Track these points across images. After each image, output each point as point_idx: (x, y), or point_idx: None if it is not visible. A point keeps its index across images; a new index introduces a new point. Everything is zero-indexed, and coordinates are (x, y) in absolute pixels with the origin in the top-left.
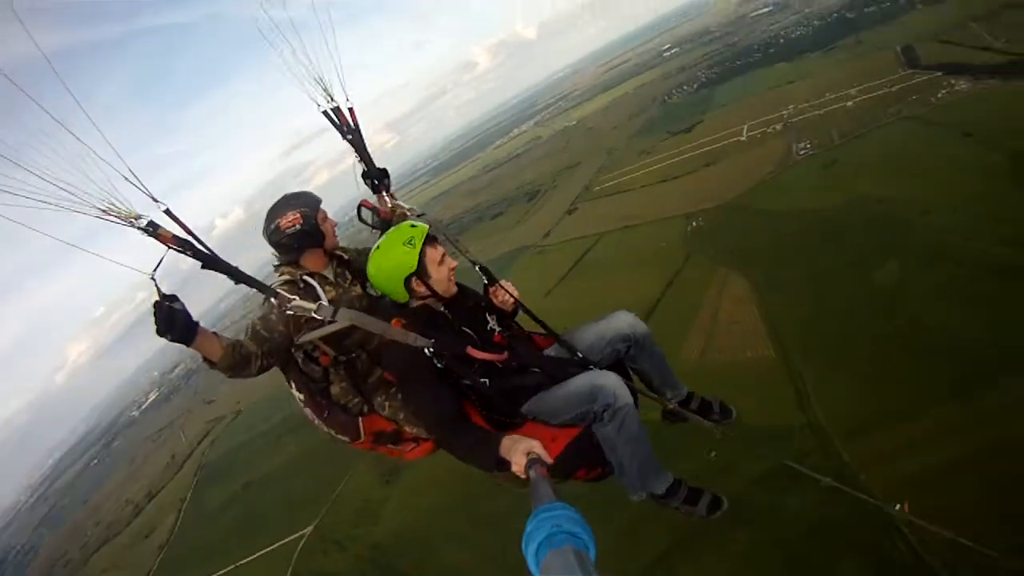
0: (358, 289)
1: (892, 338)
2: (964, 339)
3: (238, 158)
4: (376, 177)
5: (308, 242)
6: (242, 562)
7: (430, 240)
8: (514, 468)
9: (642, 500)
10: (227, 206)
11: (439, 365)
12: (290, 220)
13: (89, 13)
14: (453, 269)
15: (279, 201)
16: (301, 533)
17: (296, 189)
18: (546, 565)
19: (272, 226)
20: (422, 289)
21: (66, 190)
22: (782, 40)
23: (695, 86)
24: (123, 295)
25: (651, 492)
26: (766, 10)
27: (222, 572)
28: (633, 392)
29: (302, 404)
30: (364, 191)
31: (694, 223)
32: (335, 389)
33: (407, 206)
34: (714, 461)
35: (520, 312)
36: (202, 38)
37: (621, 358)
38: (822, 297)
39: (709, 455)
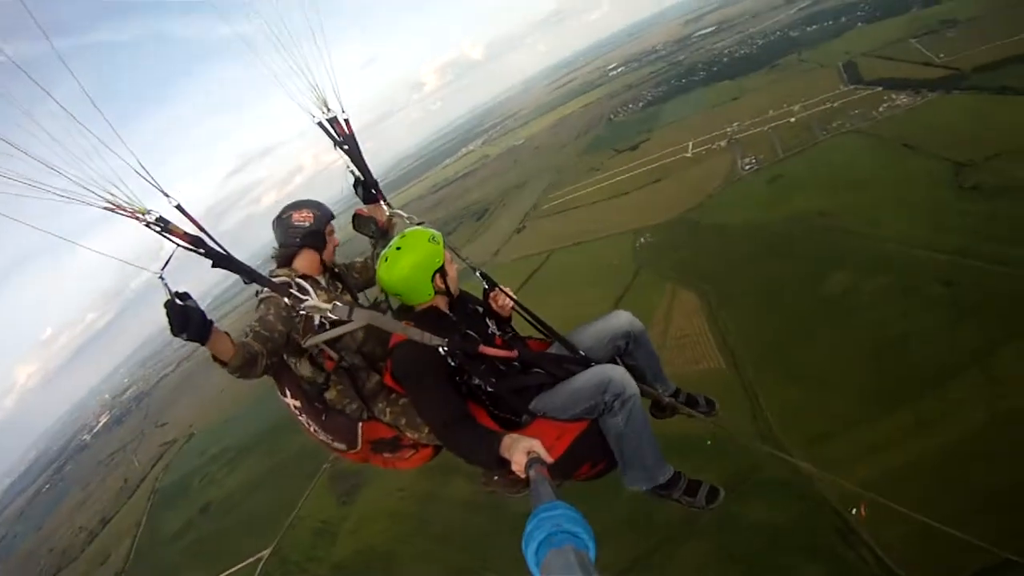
0: (348, 297)
1: (842, 346)
2: (913, 345)
3: (179, 181)
4: (373, 186)
5: (310, 242)
6: None
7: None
8: (514, 467)
9: (640, 491)
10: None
11: (452, 364)
12: (303, 216)
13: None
14: (458, 270)
15: (300, 200)
16: (259, 556)
17: (243, 213)
18: (546, 565)
19: (285, 215)
20: (442, 285)
21: (75, 181)
22: (726, 59)
23: (641, 104)
24: (72, 316)
25: (654, 483)
26: (710, 30)
27: None
28: None
29: (297, 412)
30: (354, 199)
31: (643, 239)
32: (332, 394)
33: (406, 215)
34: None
35: (513, 317)
36: (142, 58)
37: (619, 354)
38: (772, 309)
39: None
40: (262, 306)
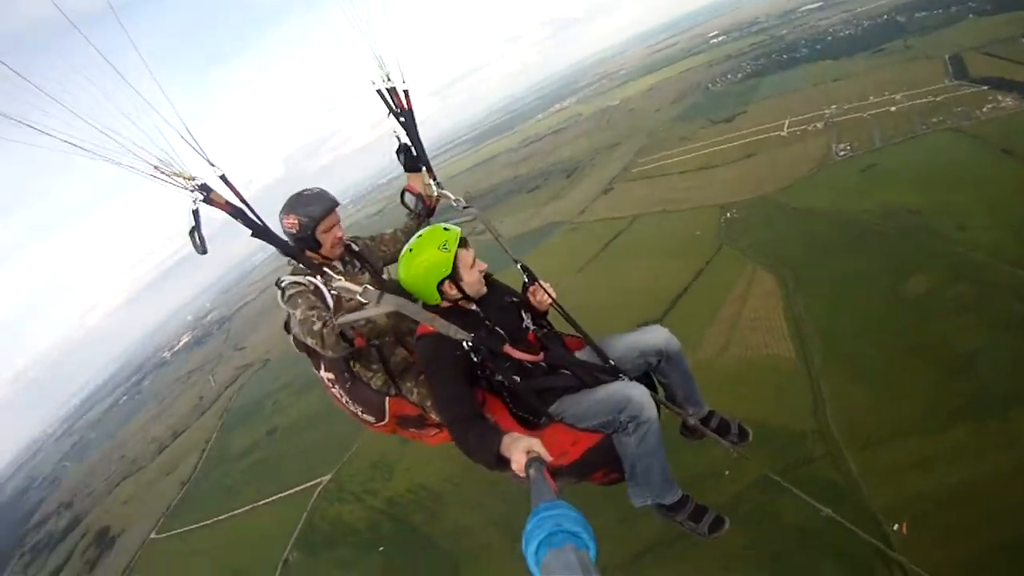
0: (366, 276)
1: (912, 351)
2: (983, 362)
3: (278, 115)
4: (424, 163)
5: (303, 245)
6: (260, 503)
7: (462, 243)
8: (513, 466)
9: (646, 508)
10: (267, 162)
11: (475, 359)
12: (289, 223)
13: None
14: (483, 271)
15: (292, 197)
16: (318, 481)
17: (335, 152)
18: (546, 564)
19: (280, 217)
20: (453, 292)
21: (124, 145)
22: (830, 38)
23: (740, 76)
24: (159, 243)
25: (659, 502)
26: (816, 5)
27: (240, 511)
28: (657, 404)
29: (330, 384)
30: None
31: (729, 214)
32: (357, 366)
33: (453, 197)
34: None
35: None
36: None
37: (649, 370)
38: (848, 302)
39: (724, 473)
40: (299, 300)
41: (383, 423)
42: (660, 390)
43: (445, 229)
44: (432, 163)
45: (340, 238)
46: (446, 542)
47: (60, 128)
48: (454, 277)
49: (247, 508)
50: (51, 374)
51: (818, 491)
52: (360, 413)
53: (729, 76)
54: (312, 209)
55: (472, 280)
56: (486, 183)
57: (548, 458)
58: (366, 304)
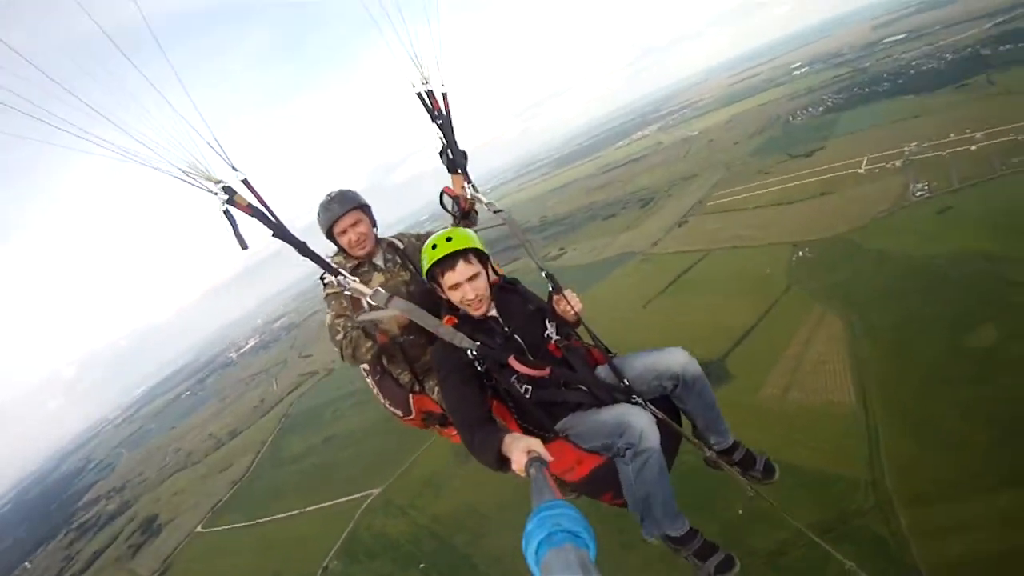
0: (406, 275)
1: (976, 407)
2: None
3: (366, 127)
4: (460, 165)
5: (334, 244)
6: (307, 509)
7: (451, 258)
8: (514, 466)
9: (655, 540)
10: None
11: (480, 368)
12: (319, 223)
13: None
14: (475, 298)
15: (323, 199)
16: (368, 492)
17: (414, 169)
18: (546, 564)
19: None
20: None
21: (152, 150)
22: (912, 71)
23: (820, 109)
24: (233, 245)
25: (662, 534)
26: (900, 37)
27: (287, 514)
28: (674, 434)
29: (365, 374)
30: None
31: (800, 253)
32: (392, 366)
33: (486, 200)
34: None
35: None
36: (332, 14)
37: (668, 395)
38: (912, 350)
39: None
40: (332, 301)
41: (411, 417)
42: (684, 420)
43: (448, 240)
44: (510, 185)
45: (358, 239)
46: (485, 565)
47: (101, 135)
48: (434, 283)
49: (294, 512)
50: (119, 361)
51: (863, 546)
52: (388, 406)
53: (810, 109)
54: (329, 212)
55: (455, 297)
56: (563, 208)
57: (548, 458)
58: (376, 306)
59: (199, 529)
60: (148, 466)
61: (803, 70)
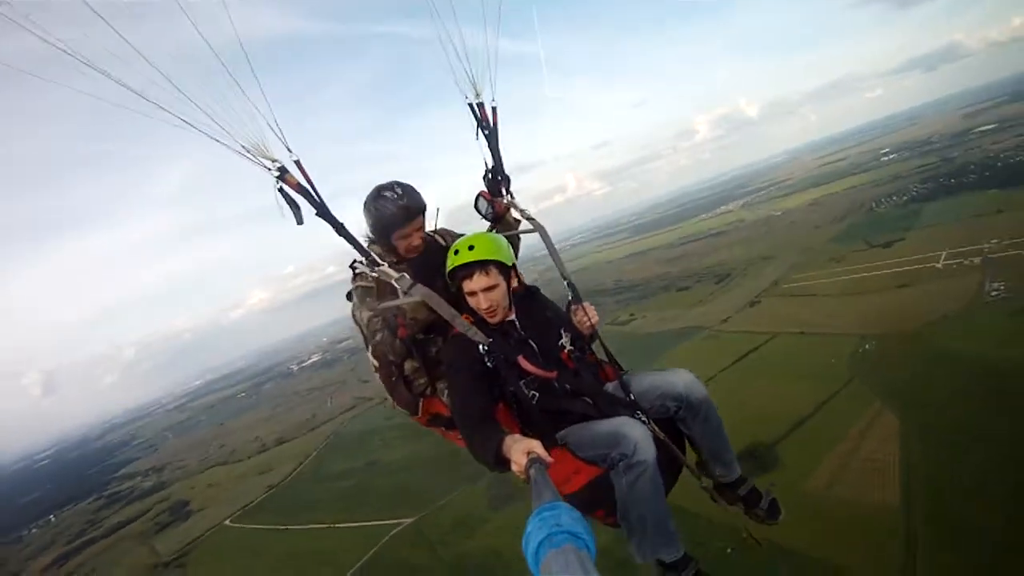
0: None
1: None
2: None
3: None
4: (501, 182)
5: (379, 239)
6: (337, 525)
7: (469, 267)
8: (513, 467)
9: (647, 563)
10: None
11: (488, 364)
12: (369, 216)
13: (333, 9)
14: (487, 308)
15: (380, 188)
16: (400, 521)
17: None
18: (546, 565)
19: (365, 203)
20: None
21: (223, 127)
22: (999, 163)
23: (904, 199)
24: (313, 262)
25: (655, 557)
26: (990, 127)
27: (314, 526)
28: (675, 459)
29: (374, 370)
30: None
31: (866, 346)
32: (409, 367)
33: (520, 207)
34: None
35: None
36: (430, 56)
37: (672, 417)
38: (969, 459)
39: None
40: (363, 295)
41: (417, 416)
42: (688, 448)
43: (470, 248)
44: (589, 244)
45: (416, 247)
46: None
47: (174, 105)
48: (459, 288)
49: (323, 526)
50: (181, 353)
51: None
52: (395, 406)
53: (894, 198)
54: (397, 215)
55: (471, 303)
56: (639, 275)
57: (548, 459)
58: (400, 291)
59: (227, 523)
60: (191, 454)
61: (891, 156)
